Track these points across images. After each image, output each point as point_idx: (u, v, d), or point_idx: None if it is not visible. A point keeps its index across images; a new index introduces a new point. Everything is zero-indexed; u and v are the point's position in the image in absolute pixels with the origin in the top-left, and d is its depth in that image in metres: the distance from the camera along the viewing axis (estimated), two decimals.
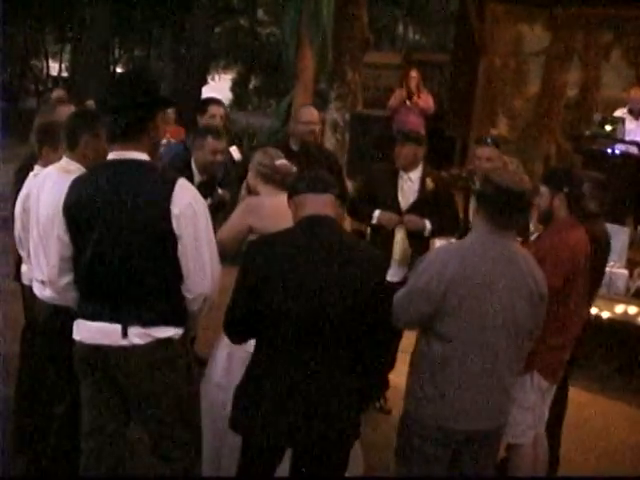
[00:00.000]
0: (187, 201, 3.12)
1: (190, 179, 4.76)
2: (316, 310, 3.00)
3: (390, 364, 5.42)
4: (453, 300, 3.29)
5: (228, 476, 3.61)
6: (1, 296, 5.42)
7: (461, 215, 5.71)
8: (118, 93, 3.19)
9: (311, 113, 5.92)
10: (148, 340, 3.15)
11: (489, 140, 5.52)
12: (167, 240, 3.10)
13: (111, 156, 3.20)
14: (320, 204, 3.12)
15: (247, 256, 3.13)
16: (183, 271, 3.16)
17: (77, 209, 3.17)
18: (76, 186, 3.23)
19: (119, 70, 28.33)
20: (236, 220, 4.24)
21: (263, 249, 3.11)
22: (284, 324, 3.03)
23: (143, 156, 3.18)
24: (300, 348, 3.03)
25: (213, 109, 5.62)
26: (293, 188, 3.24)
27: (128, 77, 3.35)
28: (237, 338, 3.34)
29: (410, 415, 3.51)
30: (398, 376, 5.41)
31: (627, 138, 8.44)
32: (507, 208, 3.33)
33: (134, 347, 3.15)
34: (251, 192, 4.44)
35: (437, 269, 3.32)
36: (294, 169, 4.32)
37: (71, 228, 3.20)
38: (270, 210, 4.10)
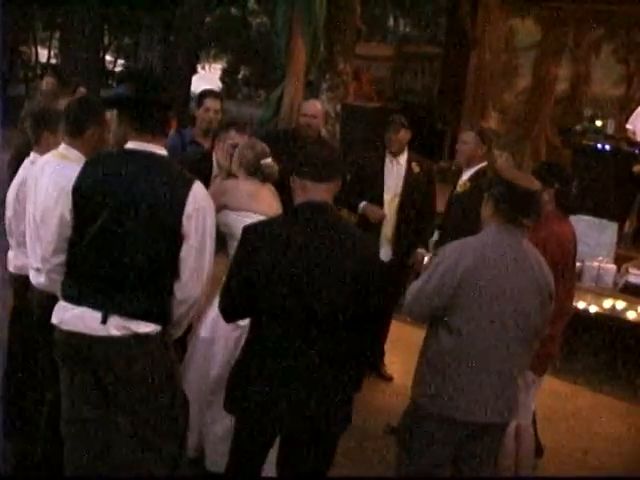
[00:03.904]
0: (201, 204, 3.16)
1: (208, 172, 4.77)
2: (309, 295, 3.04)
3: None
4: (465, 295, 3.34)
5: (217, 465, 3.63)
6: None
7: (442, 207, 5.84)
8: (149, 87, 3.25)
9: (314, 106, 6.07)
10: (125, 333, 3.14)
11: (475, 128, 5.85)
12: (173, 239, 3.13)
13: (131, 145, 3.22)
14: (319, 191, 3.14)
15: (243, 240, 3.17)
16: (181, 271, 3.17)
17: (90, 190, 3.16)
18: (91, 168, 3.22)
19: (108, 57, 28.20)
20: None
21: (259, 233, 3.15)
22: (277, 308, 3.07)
23: (163, 151, 3.23)
24: (294, 333, 3.07)
25: (208, 102, 5.60)
26: (299, 169, 3.21)
27: (152, 74, 3.48)
28: (231, 319, 3.40)
29: (419, 406, 3.54)
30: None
31: None
32: (519, 206, 3.40)
33: (111, 339, 3.14)
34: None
35: (450, 264, 3.37)
36: (276, 168, 4.38)
37: (77, 208, 3.19)
38: (245, 192, 4.26)
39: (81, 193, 3.17)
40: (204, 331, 4.28)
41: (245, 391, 3.17)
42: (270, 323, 3.11)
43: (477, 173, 5.48)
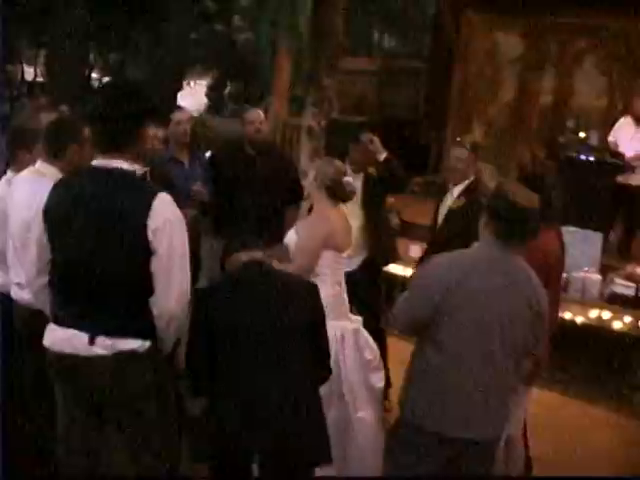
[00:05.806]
0: (165, 216, 3.09)
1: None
2: (260, 339, 3.31)
3: None
4: (449, 308, 3.28)
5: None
6: None
7: (430, 222, 5.77)
8: (108, 102, 3.17)
9: (257, 113, 6.19)
10: (112, 351, 3.13)
11: (466, 144, 5.60)
12: (141, 252, 3.08)
13: (96, 163, 3.18)
14: (252, 255, 3.48)
15: (196, 303, 3.37)
16: (154, 286, 3.13)
17: (55, 212, 3.16)
18: (57, 189, 3.22)
19: (94, 75, 28.18)
20: (313, 245, 4.28)
21: (209, 294, 3.47)
22: (233, 354, 3.32)
23: (128, 165, 3.14)
24: (252, 373, 3.30)
25: (177, 116, 5.71)
26: (229, 248, 3.62)
27: (117, 86, 3.47)
28: (196, 381, 3.49)
29: (405, 420, 3.50)
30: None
31: (628, 144, 8.45)
32: (513, 224, 3.32)
33: (98, 358, 3.13)
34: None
35: (437, 275, 3.35)
36: (354, 187, 4.56)
37: (49, 231, 3.18)
38: (337, 224, 4.36)
39: (50, 215, 3.17)
40: None
41: (216, 434, 3.36)
42: (228, 368, 3.32)
43: (468, 188, 5.36)
